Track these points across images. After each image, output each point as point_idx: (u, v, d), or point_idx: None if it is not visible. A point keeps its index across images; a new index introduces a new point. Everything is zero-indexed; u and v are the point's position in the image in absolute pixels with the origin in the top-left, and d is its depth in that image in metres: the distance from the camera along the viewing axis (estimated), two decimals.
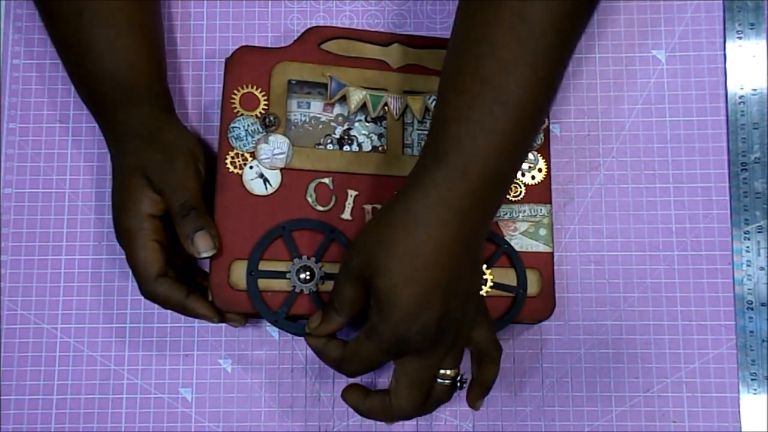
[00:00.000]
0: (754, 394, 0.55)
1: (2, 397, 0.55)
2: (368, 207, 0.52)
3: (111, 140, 0.52)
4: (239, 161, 0.51)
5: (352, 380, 0.50)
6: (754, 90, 0.59)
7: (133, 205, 0.49)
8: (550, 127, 0.57)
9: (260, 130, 0.52)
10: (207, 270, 0.52)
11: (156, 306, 0.51)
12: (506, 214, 0.53)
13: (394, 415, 0.46)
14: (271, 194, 0.52)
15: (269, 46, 0.58)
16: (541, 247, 0.53)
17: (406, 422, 0.55)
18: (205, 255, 0.49)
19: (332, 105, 0.54)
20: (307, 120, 0.54)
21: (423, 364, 0.45)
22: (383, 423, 0.50)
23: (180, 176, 0.49)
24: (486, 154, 0.42)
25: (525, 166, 0.55)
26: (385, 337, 0.44)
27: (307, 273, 0.50)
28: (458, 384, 0.48)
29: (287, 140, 0.52)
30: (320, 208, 0.52)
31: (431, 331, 0.43)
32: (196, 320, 0.56)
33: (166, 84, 0.54)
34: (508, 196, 0.54)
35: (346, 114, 0.54)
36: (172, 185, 0.49)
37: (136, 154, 0.50)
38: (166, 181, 0.49)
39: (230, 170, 0.51)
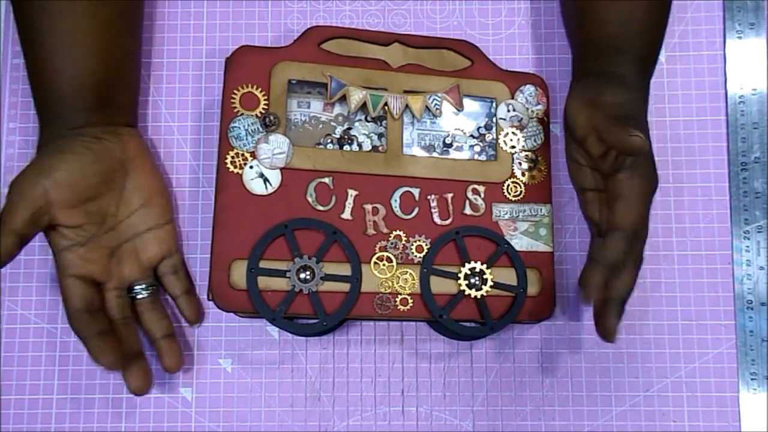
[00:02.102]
0: (754, 393, 0.55)
1: (2, 397, 0.55)
2: (368, 206, 0.52)
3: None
4: (239, 161, 0.51)
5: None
6: (754, 90, 0.59)
7: (50, 243, 0.50)
8: (550, 127, 0.57)
9: (260, 129, 0.52)
10: (207, 274, 0.52)
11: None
12: (506, 213, 0.54)
13: (633, 237, 0.49)
14: (271, 194, 0.52)
15: (269, 45, 0.58)
16: (542, 247, 0.54)
17: (407, 422, 0.55)
18: None
19: (332, 105, 0.54)
20: (307, 120, 0.54)
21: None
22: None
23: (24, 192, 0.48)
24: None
25: (525, 165, 0.55)
26: (651, 157, 0.51)
27: (308, 273, 0.50)
28: None
29: (287, 140, 0.52)
30: (320, 207, 0.52)
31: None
32: None
33: (107, 100, 0.52)
34: (508, 196, 0.54)
35: (346, 114, 0.54)
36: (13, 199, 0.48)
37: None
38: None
39: (230, 170, 0.51)
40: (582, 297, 0.49)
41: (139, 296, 0.52)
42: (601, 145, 0.50)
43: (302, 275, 0.50)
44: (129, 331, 0.51)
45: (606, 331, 0.49)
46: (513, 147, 0.55)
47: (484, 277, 0.52)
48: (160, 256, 0.53)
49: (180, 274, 0.54)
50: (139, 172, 0.53)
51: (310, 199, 0.52)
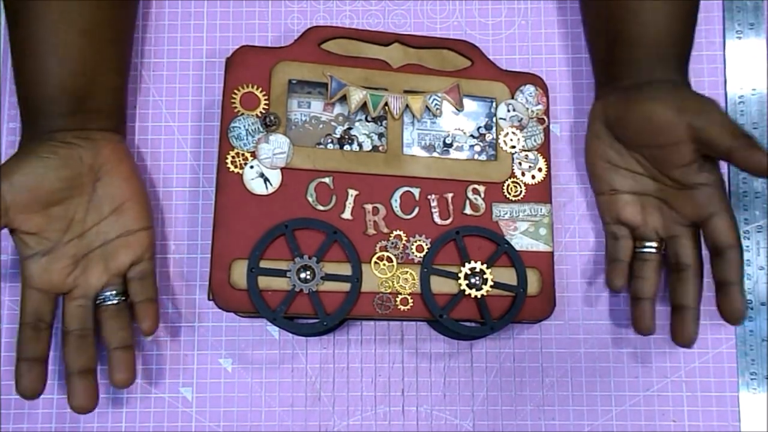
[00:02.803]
0: (754, 393, 0.55)
1: (2, 397, 0.55)
2: (368, 206, 0.52)
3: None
4: (240, 161, 0.51)
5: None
6: (754, 90, 0.59)
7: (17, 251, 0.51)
8: (550, 127, 0.57)
9: (261, 129, 0.52)
10: (208, 274, 0.52)
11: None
12: (506, 213, 0.54)
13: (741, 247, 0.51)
14: (272, 194, 0.52)
15: (269, 45, 0.58)
16: (542, 247, 0.54)
17: (407, 422, 0.55)
18: None
19: (332, 104, 0.54)
20: (308, 119, 0.54)
21: None
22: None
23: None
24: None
25: (525, 165, 0.55)
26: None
27: (308, 273, 0.50)
28: None
29: (288, 140, 0.52)
30: (320, 207, 0.52)
31: None
32: (197, 319, 0.56)
33: (82, 104, 0.52)
34: (508, 196, 0.54)
35: (346, 113, 0.54)
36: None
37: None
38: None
39: (231, 170, 0.51)
40: (732, 318, 0.51)
41: (106, 302, 0.51)
42: (693, 155, 0.50)
43: (302, 275, 0.50)
44: (85, 344, 0.50)
45: (689, 341, 0.52)
46: (513, 147, 0.55)
47: (485, 276, 0.52)
48: (129, 263, 0.52)
49: (146, 281, 0.52)
50: (112, 177, 0.52)
51: (310, 199, 0.52)
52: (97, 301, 0.51)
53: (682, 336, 0.51)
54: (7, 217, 0.48)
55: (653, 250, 0.53)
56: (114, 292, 0.51)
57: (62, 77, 0.50)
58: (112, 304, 0.51)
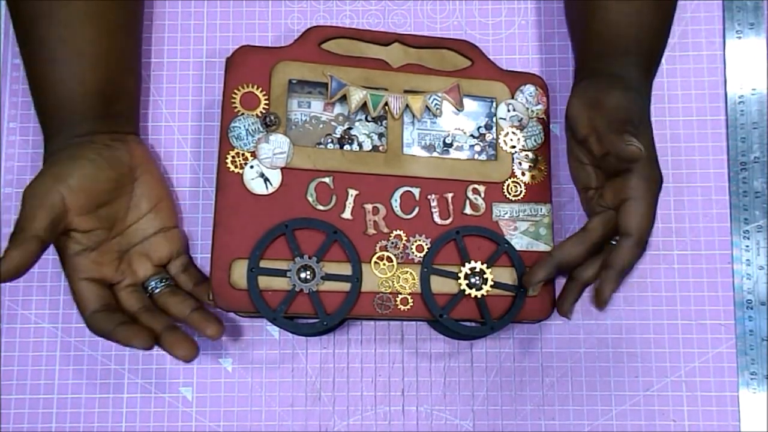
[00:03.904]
0: (754, 393, 0.55)
1: (2, 397, 0.55)
2: (368, 206, 0.52)
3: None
4: (240, 161, 0.52)
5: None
6: (754, 90, 0.59)
7: (60, 250, 0.50)
8: (550, 127, 0.57)
9: (261, 129, 0.52)
10: (208, 274, 0.52)
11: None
12: (507, 213, 0.54)
13: (643, 240, 0.50)
14: (272, 193, 0.52)
15: (269, 45, 0.58)
16: (542, 247, 0.54)
17: (407, 422, 0.55)
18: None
19: (333, 104, 0.54)
20: (308, 119, 0.54)
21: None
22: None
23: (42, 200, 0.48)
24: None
25: (525, 165, 0.55)
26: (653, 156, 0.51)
27: (308, 272, 0.50)
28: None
29: (288, 139, 0.52)
30: (321, 207, 0.52)
31: None
32: None
33: (111, 108, 0.53)
34: (508, 196, 0.54)
35: (346, 113, 0.54)
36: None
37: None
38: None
39: (231, 170, 0.51)
40: (599, 302, 0.50)
41: (156, 290, 0.53)
42: (601, 146, 0.50)
43: (303, 275, 0.50)
44: (152, 314, 0.51)
45: (561, 309, 0.52)
46: (513, 147, 0.55)
47: (485, 276, 0.52)
48: (169, 257, 0.53)
49: (191, 270, 0.54)
50: (147, 178, 0.53)
51: (310, 199, 0.52)
52: (147, 292, 0.53)
53: (560, 307, 0.52)
54: (66, 220, 0.49)
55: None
56: (159, 279, 0.53)
57: (90, 80, 0.51)
58: (162, 289, 0.53)
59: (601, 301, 0.50)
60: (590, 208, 0.54)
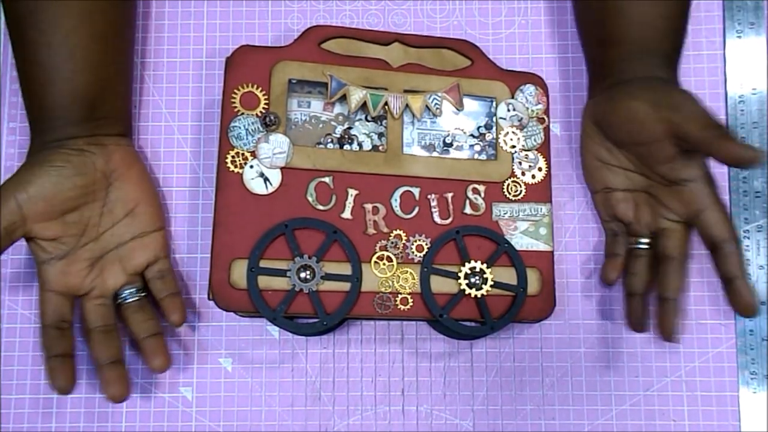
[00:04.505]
0: (754, 393, 0.55)
1: (2, 397, 0.55)
2: (368, 206, 0.52)
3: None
4: (240, 160, 0.51)
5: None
6: (754, 90, 0.59)
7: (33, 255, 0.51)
8: (550, 126, 0.57)
9: (261, 129, 0.52)
10: (208, 273, 0.52)
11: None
12: (507, 213, 0.54)
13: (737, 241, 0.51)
14: (272, 193, 0.52)
15: (269, 45, 0.58)
16: (542, 246, 0.54)
17: (407, 422, 0.55)
18: None
19: (332, 104, 0.54)
20: (308, 119, 0.54)
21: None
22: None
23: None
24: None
25: (525, 165, 0.55)
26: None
27: (308, 272, 0.50)
28: None
29: (287, 139, 0.52)
30: (320, 207, 0.52)
31: None
32: (197, 319, 0.56)
33: (99, 110, 0.52)
34: (508, 195, 0.54)
35: (346, 113, 0.54)
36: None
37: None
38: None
39: (231, 169, 0.51)
40: (742, 310, 0.50)
41: (126, 300, 0.52)
42: (674, 151, 0.50)
43: (302, 274, 0.50)
44: (109, 338, 0.51)
45: (668, 333, 0.52)
46: (513, 146, 0.55)
47: (485, 276, 0.52)
48: (145, 264, 0.53)
49: (167, 278, 0.53)
50: (124, 182, 0.52)
51: (310, 199, 0.52)
52: (117, 301, 0.52)
53: (662, 328, 0.52)
54: (24, 227, 0.48)
55: (645, 246, 0.53)
56: (133, 290, 0.52)
57: (77, 84, 0.51)
58: (133, 301, 0.52)
59: (750, 310, 0.50)
60: (618, 211, 0.54)
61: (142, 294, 0.53)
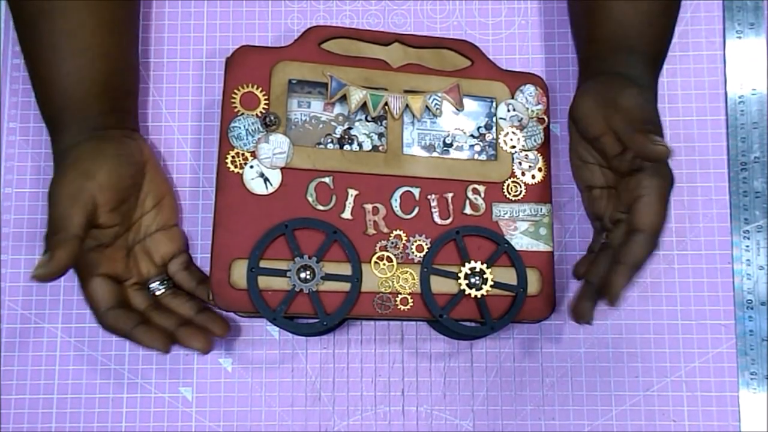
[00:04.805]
0: (754, 393, 0.55)
1: (2, 397, 0.55)
2: (368, 206, 0.52)
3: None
4: (240, 160, 0.51)
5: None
6: (754, 90, 0.59)
7: None
8: (550, 126, 0.57)
9: (261, 129, 0.52)
10: (208, 274, 0.52)
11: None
12: (507, 213, 0.54)
13: (656, 236, 0.49)
14: (272, 193, 0.52)
15: (269, 45, 0.58)
16: (542, 247, 0.54)
17: (407, 422, 0.55)
18: (37, 273, 0.46)
19: (332, 104, 0.54)
20: (308, 119, 0.54)
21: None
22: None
23: (63, 205, 0.48)
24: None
25: (525, 165, 0.55)
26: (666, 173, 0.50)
27: (308, 272, 0.50)
28: None
29: (287, 139, 0.52)
30: (320, 207, 0.52)
31: None
32: None
33: (117, 102, 0.53)
34: (508, 196, 0.54)
35: (346, 113, 0.54)
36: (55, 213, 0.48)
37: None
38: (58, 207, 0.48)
39: (231, 169, 0.51)
40: (609, 297, 0.48)
41: (158, 292, 0.53)
42: (618, 145, 0.50)
43: (302, 275, 0.50)
44: (161, 312, 0.52)
45: (613, 296, 0.49)
46: (513, 147, 0.55)
47: (485, 276, 0.52)
48: (171, 255, 0.54)
49: (191, 268, 0.54)
50: (153, 174, 0.53)
51: (310, 199, 0.52)
52: (150, 292, 0.53)
53: (576, 310, 0.50)
54: (96, 217, 0.49)
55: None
56: (160, 281, 0.53)
57: (100, 72, 0.51)
58: (163, 291, 0.53)
59: (612, 296, 0.48)
60: (595, 208, 0.54)
61: (171, 282, 0.53)
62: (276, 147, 0.52)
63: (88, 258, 0.50)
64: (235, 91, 0.52)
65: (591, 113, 0.51)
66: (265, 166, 0.52)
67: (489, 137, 0.55)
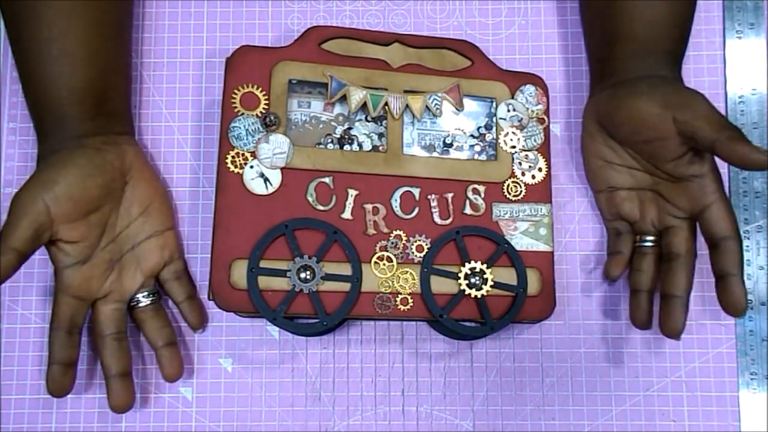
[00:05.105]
0: (754, 393, 0.55)
1: (2, 397, 0.55)
2: (368, 206, 0.52)
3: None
4: (240, 161, 0.51)
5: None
6: (754, 90, 0.59)
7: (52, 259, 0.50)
8: (550, 127, 0.57)
9: (261, 129, 0.52)
10: (208, 273, 0.52)
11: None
12: (507, 213, 0.54)
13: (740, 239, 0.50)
14: (272, 194, 0.52)
15: (269, 45, 0.58)
16: (542, 247, 0.54)
17: (407, 422, 0.55)
18: None
19: (332, 104, 0.54)
20: (308, 119, 0.54)
21: None
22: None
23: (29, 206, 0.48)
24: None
25: (525, 165, 0.55)
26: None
27: (308, 272, 0.50)
28: None
29: (288, 140, 0.52)
30: (320, 207, 0.52)
31: None
32: None
33: (104, 106, 0.52)
34: (508, 196, 0.54)
35: (346, 113, 0.54)
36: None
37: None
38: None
39: (231, 170, 0.51)
40: (731, 309, 0.49)
41: (141, 304, 0.52)
42: (682, 149, 0.50)
43: (302, 275, 0.50)
44: (121, 347, 0.51)
45: (675, 330, 0.51)
46: (513, 147, 0.55)
47: (485, 276, 0.52)
48: (162, 264, 0.53)
49: (183, 279, 0.54)
50: (138, 180, 0.53)
51: (310, 199, 0.52)
52: (131, 304, 0.52)
53: (668, 326, 0.51)
54: (51, 229, 0.48)
55: (651, 244, 0.53)
56: (146, 293, 0.53)
57: (82, 78, 0.50)
58: (147, 305, 0.52)
59: (738, 309, 0.49)
60: (621, 210, 0.54)
61: (155, 298, 0.53)
62: (276, 147, 0.52)
63: (62, 276, 0.49)
64: (235, 91, 0.52)
65: (657, 116, 0.50)
66: (265, 166, 0.52)
67: (489, 137, 0.55)
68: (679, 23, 0.53)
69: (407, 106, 0.54)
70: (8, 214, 0.47)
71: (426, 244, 0.52)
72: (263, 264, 0.50)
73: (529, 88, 0.56)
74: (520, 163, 0.55)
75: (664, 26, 0.53)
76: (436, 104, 0.54)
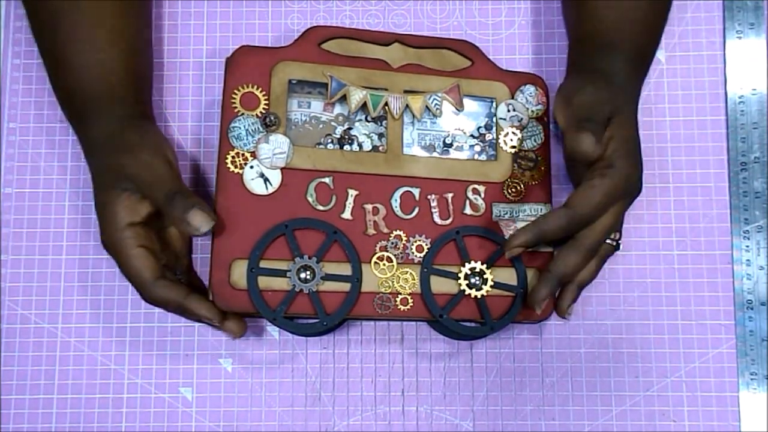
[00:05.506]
0: (754, 393, 0.55)
1: (2, 397, 0.55)
2: (368, 206, 0.52)
3: (85, 152, 0.53)
4: (240, 161, 0.52)
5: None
6: (754, 90, 0.59)
7: (111, 219, 0.49)
8: (550, 127, 0.57)
9: (261, 129, 0.52)
10: (208, 273, 0.52)
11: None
12: (506, 213, 0.54)
13: (576, 218, 0.50)
14: (272, 194, 0.52)
15: (269, 45, 0.58)
16: (542, 247, 0.53)
17: (407, 422, 0.55)
18: (204, 229, 0.48)
19: (332, 104, 0.54)
20: (308, 119, 0.54)
21: (623, 209, 0.51)
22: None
23: (152, 171, 0.49)
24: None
25: (525, 165, 0.55)
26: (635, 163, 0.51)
27: (308, 273, 0.50)
28: (617, 245, 0.53)
29: (288, 140, 0.52)
30: (320, 207, 0.52)
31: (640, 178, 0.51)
32: None
33: (143, 92, 0.54)
34: (508, 196, 0.54)
35: (346, 113, 0.54)
36: (147, 181, 0.49)
37: (102, 168, 0.51)
38: (141, 180, 0.49)
39: (231, 170, 0.51)
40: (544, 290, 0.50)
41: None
42: None
43: (302, 275, 0.50)
44: (199, 297, 0.51)
45: (560, 310, 0.52)
46: (513, 147, 0.55)
47: (485, 276, 0.52)
48: (182, 250, 0.54)
49: (191, 275, 0.55)
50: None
51: (310, 199, 0.52)
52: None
53: (560, 307, 0.52)
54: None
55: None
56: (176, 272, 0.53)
57: (128, 63, 0.52)
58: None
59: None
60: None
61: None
62: (276, 147, 0.52)
63: (125, 232, 0.49)
64: (235, 91, 0.52)
65: (556, 110, 0.52)
66: (265, 167, 0.52)
67: (489, 137, 0.55)
68: (635, 21, 0.54)
69: (407, 106, 0.54)
70: (146, 168, 0.49)
71: (426, 244, 0.52)
72: (263, 264, 0.50)
73: (529, 88, 0.56)
74: (520, 163, 0.55)
75: (617, 24, 0.53)
76: (436, 104, 0.54)
